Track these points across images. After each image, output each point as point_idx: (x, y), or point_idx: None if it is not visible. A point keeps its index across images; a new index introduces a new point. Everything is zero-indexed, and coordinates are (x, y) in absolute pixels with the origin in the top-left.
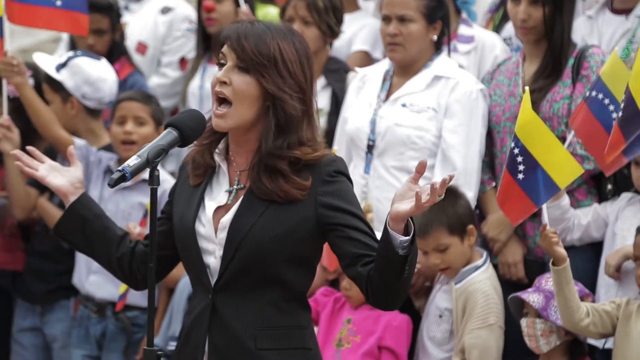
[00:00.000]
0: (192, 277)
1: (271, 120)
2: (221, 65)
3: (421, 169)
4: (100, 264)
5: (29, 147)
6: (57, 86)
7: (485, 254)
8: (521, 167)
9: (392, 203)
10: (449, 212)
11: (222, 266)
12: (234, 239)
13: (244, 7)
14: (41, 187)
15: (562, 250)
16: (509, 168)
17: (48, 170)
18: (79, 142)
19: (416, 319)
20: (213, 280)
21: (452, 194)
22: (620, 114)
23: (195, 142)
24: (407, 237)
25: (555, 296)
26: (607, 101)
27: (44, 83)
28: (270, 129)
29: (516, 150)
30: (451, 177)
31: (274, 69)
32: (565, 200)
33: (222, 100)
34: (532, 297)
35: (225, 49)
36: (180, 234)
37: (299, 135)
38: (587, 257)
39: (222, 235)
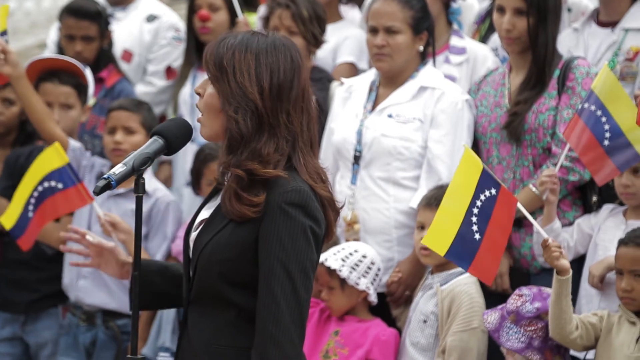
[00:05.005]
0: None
1: (226, 135)
2: None
3: None
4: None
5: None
6: (82, 91)
7: None
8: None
9: None
10: None
11: (191, 279)
12: (195, 255)
13: (241, 16)
14: (11, 198)
15: (565, 263)
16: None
17: (98, 262)
18: (73, 143)
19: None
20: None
21: None
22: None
23: None
24: None
25: (551, 306)
26: (599, 113)
27: (71, 87)
28: (224, 143)
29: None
30: None
31: (224, 80)
32: (557, 224)
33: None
34: (489, 317)
35: None
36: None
37: (253, 149)
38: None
39: (192, 245)
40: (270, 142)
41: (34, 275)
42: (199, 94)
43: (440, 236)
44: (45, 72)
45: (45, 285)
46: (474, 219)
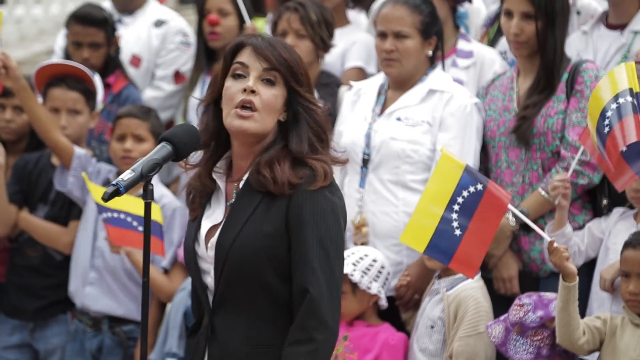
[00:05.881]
0: (198, 298)
1: (303, 128)
2: (237, 76)
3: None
4: None
5: None
6: (91, 97)
7: None
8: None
9: None
10: None
11: (215, 284)
12: (221, 256)
13: (249, 22)
14: (20, 203)
15: (572, 267)
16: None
17: None
18: (78, 151)
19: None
20: (211, 300)
21: None
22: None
23: (193, 164)
24: None
25: (559, 313)
26: None
27: (79, 93)
28: (300, 135)
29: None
30: None
31: (303, 81)
32: (568, 228)
33: (245, 107)
34: (494, 330)
35: (247, 58)
36: (185, 257)
37: (323, 138)
38: (580, 273)
39: (212, 253)
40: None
41: (43, 282)
42: (253, 91)
43: (418, 234)
44: (53, 78)
45: (54, 292)
46: (454, 215)
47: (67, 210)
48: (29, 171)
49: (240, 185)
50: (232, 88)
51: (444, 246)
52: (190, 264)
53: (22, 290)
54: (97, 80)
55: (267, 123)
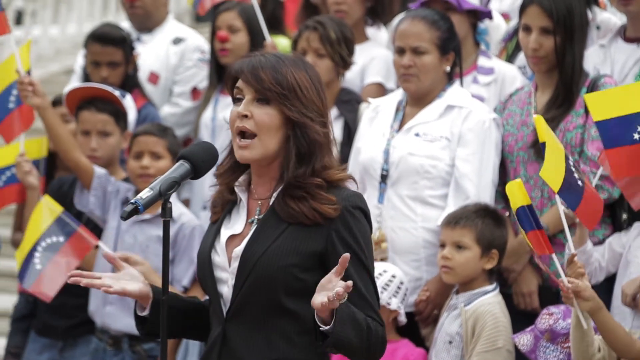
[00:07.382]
0: (210, 307)
1: (292, 149)
2: (237, 100)
3: (344, 263)
4: (201, 339)
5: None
6: (121, 118)
7: (495, 284)
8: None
9: (317, 290)
10: (485, 225)
11: (233, 295)
12: (245, 268)
13: (269, 39)
14: None
15: (588, 283)
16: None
17: (119, 281)
18: (98, 170)
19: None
20: (225, 310)
21: (497, 219)
22: None
23: (217, 182)
24: (327, 327)
25: (572, 330)
26: None
27: (108, 115)
28: (292, 157)
29: None
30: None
31: (295, 97)
32: (589, 245)
33: (243, 134)
34: (522, 339)
35: (240, 83)
36: (199, 264)
37: (324, 160)
38: (600, 288)
39: (235, 264)
40: (330, 153)
41: (74, 302)
42: (245, 116)
43: (554, 171)
44: (83, 101)
45: (84, 312)
46: (572, 164)
47: (99, 232)
48: (63, 193)
49: (271, 202)
50: (232, 114)
51: (572, 191)
52: (205, 271)
53: (53, 309)
54: (128, 100)
55: (269, 144)
